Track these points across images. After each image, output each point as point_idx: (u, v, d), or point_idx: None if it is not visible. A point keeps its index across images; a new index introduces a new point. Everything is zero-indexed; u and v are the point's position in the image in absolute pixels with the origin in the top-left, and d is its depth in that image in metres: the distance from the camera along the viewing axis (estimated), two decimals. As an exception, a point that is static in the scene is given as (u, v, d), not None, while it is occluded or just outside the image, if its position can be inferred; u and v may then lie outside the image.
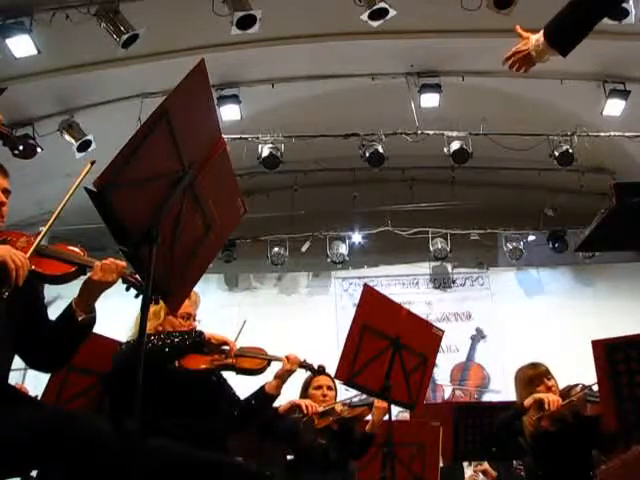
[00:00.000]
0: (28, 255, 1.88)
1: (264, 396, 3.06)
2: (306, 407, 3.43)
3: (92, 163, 1.96)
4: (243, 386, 3.18)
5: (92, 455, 1.73)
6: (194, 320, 2.94)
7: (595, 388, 3.15)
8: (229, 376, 3.09)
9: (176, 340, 2.68)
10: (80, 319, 2.03)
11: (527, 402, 3.29)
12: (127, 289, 2.00)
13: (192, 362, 2.76)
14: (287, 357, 3.12)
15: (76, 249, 2.11)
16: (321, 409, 3.58)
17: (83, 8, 5.80)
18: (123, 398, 1.88)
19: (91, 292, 2.05)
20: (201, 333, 2.72)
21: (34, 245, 1.94)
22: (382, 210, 9.01)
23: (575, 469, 3.29)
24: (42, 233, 1.97)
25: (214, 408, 2.88)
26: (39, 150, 7.21)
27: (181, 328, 2.85)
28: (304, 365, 3.21)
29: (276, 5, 6.06)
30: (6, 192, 2.11)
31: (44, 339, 2.07)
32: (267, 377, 3.15)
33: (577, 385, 3.35)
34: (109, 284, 2.03)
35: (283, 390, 3.17)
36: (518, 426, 3.38)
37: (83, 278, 2.13)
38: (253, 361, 3.01)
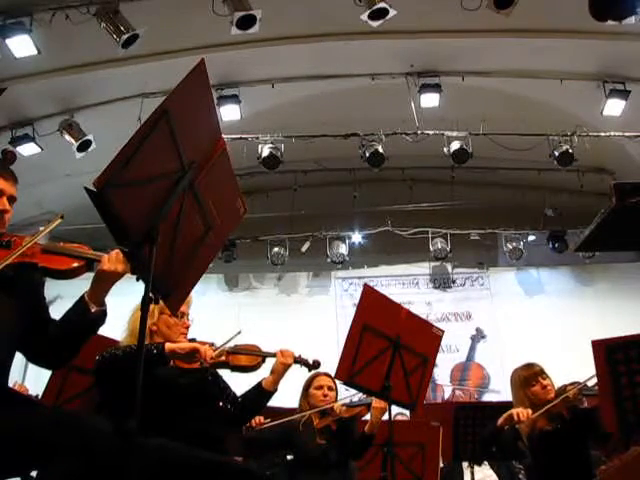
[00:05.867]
0: (13, 257, 1.93)
1: (261, 392, 3.05)
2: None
3: (62, 217, 2.06)
4: (243, 384, 3.17)
5: (92, 455, 1.73)
6: (187, 319, 2.93)
7: (590, 383, 3.17)
8: (225, 374, 3.09)
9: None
10: (93, 310, 2.07)
11: (500, 422, 3.30)
12: (138, 279, 2.01)
13: None
14: (280, 351, 3.10)
15: (84, 246, 2.16)
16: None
17: (83, 8, 5.81)
18: (121, 400, 1.87)
19: (102, 283, 2.08)
20: (159, 346, 2.60)
21: (19, 250, 1.97)
22: (382, 210, 9.01)
23: (575, 468, 3.29)
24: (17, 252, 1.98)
25: (211, 407, 2.87)
26: (39, 150, 7.23)
27: (175, 327, 2.84)
28: (299, 360, 3.19)
29: (276, 5, 6.06)
30: (12, 199, 2.15)
31: (50, 336, 2.09)
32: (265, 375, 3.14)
33: (572, 383, 3.37)
34: (119, 274, 2.06)
35: (284, 391, 3.16)
36: (516, 432, 3.39)
37: (84, 277, 2.15)
38: (247, 358, 3.02)
